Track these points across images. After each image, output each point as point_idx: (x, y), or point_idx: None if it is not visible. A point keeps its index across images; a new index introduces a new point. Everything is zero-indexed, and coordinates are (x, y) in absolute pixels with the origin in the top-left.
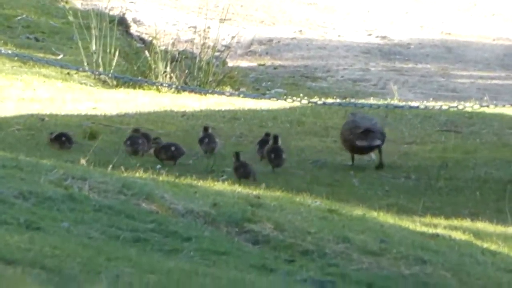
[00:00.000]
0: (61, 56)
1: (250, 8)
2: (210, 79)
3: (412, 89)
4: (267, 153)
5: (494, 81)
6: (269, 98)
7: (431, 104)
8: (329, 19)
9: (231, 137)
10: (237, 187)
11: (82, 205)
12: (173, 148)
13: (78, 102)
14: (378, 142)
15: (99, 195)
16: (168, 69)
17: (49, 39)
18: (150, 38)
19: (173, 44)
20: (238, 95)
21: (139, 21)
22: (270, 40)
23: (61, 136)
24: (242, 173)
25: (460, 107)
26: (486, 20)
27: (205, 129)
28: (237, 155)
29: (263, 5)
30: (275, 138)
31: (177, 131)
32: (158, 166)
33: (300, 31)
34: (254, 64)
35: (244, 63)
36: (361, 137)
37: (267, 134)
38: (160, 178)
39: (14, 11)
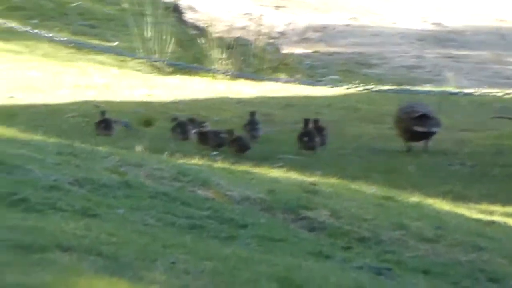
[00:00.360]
0: (116, 43)
1: None
2: (265, 66)
3: (467, 76)
4: (299, 137)
5: None
6: (324, 85)
7: (486, 90)
8: (383, 6)
9: (286, 124)
10: (293, 174)
11: (138, 192)
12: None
13: (133, 89)
14: (435, 128)
15: (154, 182)
16: (223, 56)
17: (104, 26)
18: (205, 25)
19: (227, 31)
20: (293, 82)
21: (193, 8)
22: (325, 27)
23: (101, 123)
24: (238, 147)
25: None
26: None
27: (252, 114)
28: (231, 132)
29: None
30: (306, 121)
31: (233, 117)
32: (214, 152)
33: (355, 18)
34: (309, 51)
35: (298, 50)
36: (418, 123)
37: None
38: (216, 165)
39: None
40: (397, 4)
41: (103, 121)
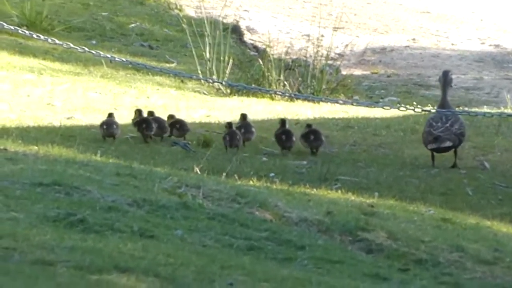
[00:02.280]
0: (174, 64)
1: (364, 16)
2: (324, 87)
3: None
4: (277, 135)
5: None
6: (382, 107)
7: None
8: (442, 28)
9: (344, 145)
10: (351, 196)
11: (196, 213)
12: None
13: (192, 110)
14: (448, 143)
15: (213, 203)
16: (282, 77)
17: (163, 47)
18: (264, 46)
19: (286, 52)
20: (352, 103)
21: (252, 29)
22: (384, 49)
23: (142, 123)
24: (229, 141)
25: None
26: None
27: (283, 123)
28: (229, 125)
29: (376, 13)
30: (283, 121)
31: None
32: (272, 174)
33: (414, 39)
34: (367, 72)
35: (357, 71)
36: (431, 141)
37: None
38: (274, 186)
39: (128, 19)
40: (455, 25)
41: (144, 121)
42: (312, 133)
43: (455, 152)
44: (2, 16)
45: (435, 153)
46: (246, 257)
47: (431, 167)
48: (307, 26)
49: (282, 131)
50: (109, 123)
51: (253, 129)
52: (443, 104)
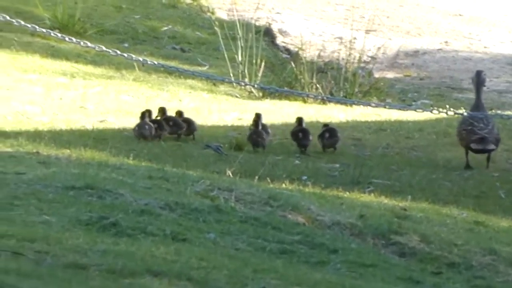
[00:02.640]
0: (207, 67)
1: (396, 19)
2: (356, 90)
3: None
4: (293, 133)
5: None
6: (415, 109)
7: None
8: (474, 31)
9: (377, 148)
10: (384, 199)
11: (228, 216)
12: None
13: (224, 113)
14: (492, 146)
15: (245, 206)
16: (314, 80)
17: (195, 50)
18: (296, 49)
19: (319, 55)
20: (384, 106)
21: (285, 31)
22: (416, 51)
23: (169, 120)
24: (254, 140)
25: None
26: None
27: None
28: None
29: (409, 16)
30: (300, 120)
31: None
32: (304, 177)
33: (446, 42)
34: (400, 75)
35: (390, 74)
36: (476, 141)
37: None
38: (307, 190)
39: (160, 22)
40: (488, 28)
41: (170, 118)
42: (328, 131)
43: (489, 157)
44: (35, 19)
45: (472, 154)
46: (278, 260)
47: (464, 170)
48: (340, 28)
49: (299, 129)
50: (141, 125)
51: (311, 137)
52: (478, 105)
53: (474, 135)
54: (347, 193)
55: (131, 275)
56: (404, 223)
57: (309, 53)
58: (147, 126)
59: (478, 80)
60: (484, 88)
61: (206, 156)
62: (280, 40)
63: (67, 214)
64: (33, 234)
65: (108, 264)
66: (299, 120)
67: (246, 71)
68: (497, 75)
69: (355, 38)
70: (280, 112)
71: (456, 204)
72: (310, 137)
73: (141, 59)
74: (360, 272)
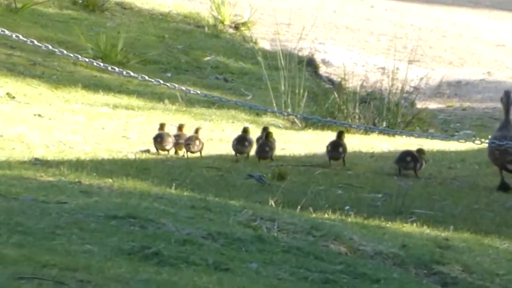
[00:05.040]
0: (250, 97)
1: (439, 49)
2: (399, 120)
3: None
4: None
5: None
6: (458, 140)
7: None
8: None
9: (420, 178)
10: (426, 229)
11: (271, 246)
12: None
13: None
14: None
15: (287, 236)
16: (357, 110)
17: (238, 80)
18: (339, 79)
19: (361, 85)
20: (427, 137)
21: (328, 62)
22: (459, 82)
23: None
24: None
25: None
26: None
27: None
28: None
29: (451, 46)
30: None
31: (366, 172)
32: (347, 206)
33: (489, 72)
34: (442, 105)
35: (432, 105)
36: (510, 161)
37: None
38: (349, 219)
39: (203, 51)
40: None
41: (159, 135)
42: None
43: None
44: (77, 48)
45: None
46: None
47: (506, 201)
48: (382, 59)
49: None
50: (161, 136)
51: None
52: (506, 125)
53: (509, 155)
54: (389, 223)
55: None
56: (446, 253)
57: (352, 84)
58: (246, 143)
59: (508, 100)
60: None
61: (249, 185)
62: (323, 70)
63: (109, 243)
64: (75, 264)
65: None
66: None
67: (289, 101)
68: None
69: (397, 69)
70: (322, 142)
71: (498, 234)
72: (340, 150)
73: (184, 88)
74: None
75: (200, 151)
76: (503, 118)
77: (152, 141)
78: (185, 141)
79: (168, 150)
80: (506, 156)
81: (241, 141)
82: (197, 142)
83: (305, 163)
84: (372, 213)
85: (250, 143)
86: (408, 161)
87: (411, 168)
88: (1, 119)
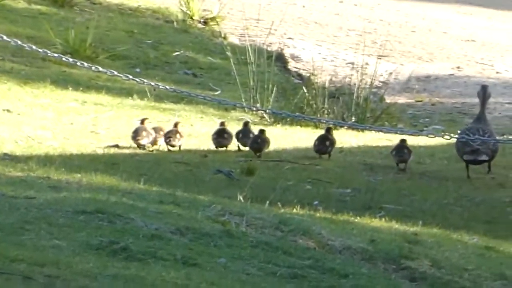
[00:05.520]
0: (218, 92)
1: (408, 44)
2: (368, 115)
3: None
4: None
5: None
6: (427, 135)
7: None
8: (487, 56)
9: (388, 173)
10: (395, 224)
11: (239, 241)
12: None
13: (235, 138)
14: (484, 157)
15: (256, 231)
16: (326, 105)
17: (207, 75)
18: (308, 74)
19: (330, 80)
20: (396, 132)
21: (297, 57)
22: (428, 77)
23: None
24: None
25: None
26: None
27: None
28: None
29: (421, 41)
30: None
31: (335, 167)
32: (315, 202)
33: (458, 67)
34: (411, 100)
35: (401, 100)
36: (468, 152)
37: (245, 124)
38: (317, 214)
39: (172, 47)
40: (500, 54)
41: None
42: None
43: (489, 165)
44: (46, 43)
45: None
46: (289, 285)
47: (474, 196)
48: (352, 54)
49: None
50: (136, 131)
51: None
52: (480, 117)
53: (467, 146)
54: (358, 218)
55: None
56: (415, 248)
57: (321, 79)
58: (226, 135)
59: (484, 94)
60: (496, 114)
61: (218, 181)
62: (292, 65)
63: (77, 238)
64: (43, 259)
65: None
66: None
67: (258, 96)
68: (509, 101)
69: (367, 64)
70: (291, 137)
71: (467, 229)
72: (327, 143)
73: (153, 83)
74: None
75: (180, 145)
76: (478, 111)
77: (124, 135)
78: (166, 135)
79: (144, 145)
80: (465, 147)
81: (221, 134)
82: (178, 135)
83: (274, 158)
84: (340, 208)
85: (230, 136)
86: (405, 152)
87: (406, 160)
88: None
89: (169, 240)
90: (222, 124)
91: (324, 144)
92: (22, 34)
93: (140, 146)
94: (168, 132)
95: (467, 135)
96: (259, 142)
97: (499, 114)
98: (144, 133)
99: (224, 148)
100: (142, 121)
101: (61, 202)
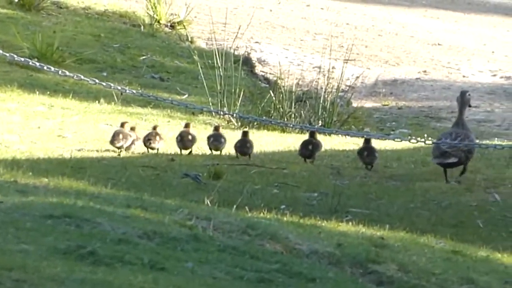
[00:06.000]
0: (185, 96)
1: (375, 48)
2: (335, 119)
3: None
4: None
5: None
6: (394, 139)
7: None
8: (453, 60)
9: (355, 177)
10: (362, 228)
11: (207, 245)
12: None
13: (202, 142)
14: (452, 159)
15: (223, 235)
16: (293, 109)
17: (174, 79)
18: (275, 78)
19: (297, 84)
20: (362, 136)
21: (264, 61)
22: (395, 81)
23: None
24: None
25: None
26: None
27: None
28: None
29: (387, 45)
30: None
31: (302, 171)
32: (283, 206)
33: (425, 71)
34: (378, 104)
35: (368, 103)
36: (437, 156)
37: (216, 128)
38: (285, 219)
39: (139, 51)
40: (467, 58)
41: (117, 133)
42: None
43: (464, 168)
44: (13, 48)
45: (447, 169)
46: None
47: (441, 200)
48: (318, 58)
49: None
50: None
51: (377, 154)
52: (458, 122)
53: (437, 150)
54: (325, 222)
55: None
56: (382, 252)
57: (288, 83)
58: (222, 139)
59: (463, 99)
60: (470, 105)
61: (185, 185)
62: (259, 69)
63: (45, 242)
64: (10, 263)
65: None
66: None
67: (225, 100)
68: (476, 104)
69: (333, 68)
70: (258, 141)
71: (434, 233)
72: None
73: (119, 87)
74: None
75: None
76: (457, 117)
77: (91, 139)
78: (146, 137)
79: (120, 148)
80: (435, 151)
81: (218, 138)
82: (158, 138)
83: (241, 162)
84: (307, 212)
85: (225, 140)
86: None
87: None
88: None
89: (136, 244)
90: (216, 128)
91: (307, 148)
92: None
93: (119, 148)
94: (148, 135)
95: (440, 139)
96: (248, 146)
97: (466, 118)
98: (120, 136)
99: (219, 152)
100: (122, 125)
101: (28, 206)
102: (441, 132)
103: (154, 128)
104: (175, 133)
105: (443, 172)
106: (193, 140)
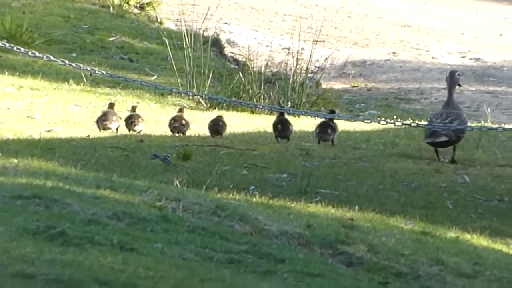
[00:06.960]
0: (155, 77)
1: (344, 30)
2: (304, 100)
3: (506, 112)
4: (274, 125)
5: None
6: (363, 120)
7: None
8: (423, 41)
9: (324, 158)
10: (331, 209)
11: (176, 226)
12: None
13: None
14: (443, 138)
15: (193, 216)
16: (262, 90)
17: (143, 60)
18: (244, 59)
19: (266, 65)
20: (332, 117)
21: (233, 42)
22: (364, 62)
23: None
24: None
25: None
26: None
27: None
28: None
29: (356, 27)
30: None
31: (271, 152)
32: (252, 187)
33: (394, 53)
34: (347, 85)
35: (337, 85)
36: (427, 135)
37: (180, 110)
38: (254, 200)
39: (108, 32)
40: (436, 39)
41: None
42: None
43: (454, 148)
44: None
45: (438, 149)
46: (226, 270)
47: (411, 181)
48: (287, 39)
49: (279, 120)
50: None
51: (291, 127)
52: (448, 102)
53: (428, 130)
54: (295, 203)
55: (78, 285)
56: (351, 233)
57: (257, 64)
58: (221, 123)
59: (451, 79)
60: (432, 99)
61: (154, 166)
62: (228, 50)
63: (14, 223)
64: None
65: (55, 273)
66: (281, 113)
67: (194, 81)
68: (445, 86)
69: (303, 49)
70: (228, 123)
71: (403, 215)
72: (291, 128)
73: (89, 68)
74: (308, 281)
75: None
76: (447, 97)
77: (60, 120)
78: (128, 119)
79: (111, 129)
80: (426, 131)
81: (217, 122)
82: (140, 119)
83: (210, 143)
84: (277, 193)
85: (225, 124)
86: (329, 132)
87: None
88: None
89: (106, 225)
90: (180, 110)
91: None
92: None
93: (106, 130)
94: (131, 117)
95: (431, 120)
96: (220, 124)
97: (435, 100)
98: (114, 118)
99: (219, 136)
100: (111, 105)
101: None
102: (410, 114)
103: (133, 109)
104: (144, 114)
105: (434, 152)
106: (187, 125)
